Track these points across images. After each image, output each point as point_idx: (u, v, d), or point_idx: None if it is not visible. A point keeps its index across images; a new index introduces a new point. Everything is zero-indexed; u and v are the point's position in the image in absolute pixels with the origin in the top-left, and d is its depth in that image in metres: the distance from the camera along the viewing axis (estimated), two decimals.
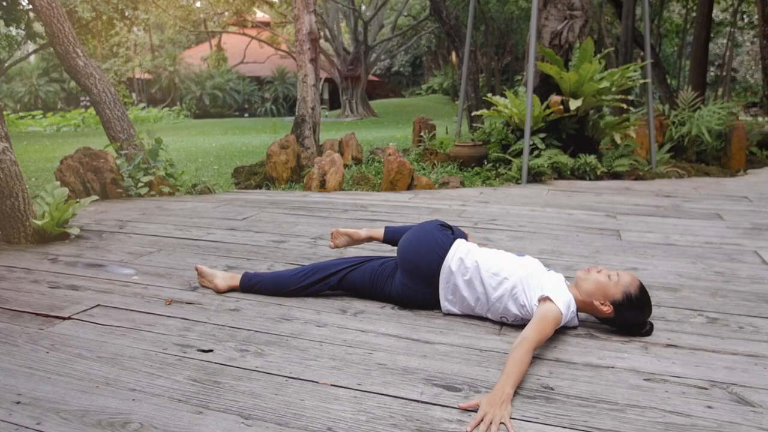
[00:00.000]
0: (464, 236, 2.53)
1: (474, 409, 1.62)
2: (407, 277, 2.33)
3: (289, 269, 2.62)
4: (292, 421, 1.59)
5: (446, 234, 2.38)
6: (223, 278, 2.60)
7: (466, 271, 2.23)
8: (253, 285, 2.55)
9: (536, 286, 2.09)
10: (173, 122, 23.25)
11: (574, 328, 2.21)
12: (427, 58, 35.57)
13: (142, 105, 26.54)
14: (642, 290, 2.11)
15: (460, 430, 1.55)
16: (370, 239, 2.76)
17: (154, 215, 4.42)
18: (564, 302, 2.02)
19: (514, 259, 2.25)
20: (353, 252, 3.28)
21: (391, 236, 2.68)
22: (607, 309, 2.11)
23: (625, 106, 6.66)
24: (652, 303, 2.23)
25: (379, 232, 2.72)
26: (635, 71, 6.60)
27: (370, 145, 9.60)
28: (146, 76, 29.18)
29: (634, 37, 12.02)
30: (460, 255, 2.27)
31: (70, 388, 1.76)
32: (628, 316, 2.12)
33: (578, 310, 2.16)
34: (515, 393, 1.71)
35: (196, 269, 2.68)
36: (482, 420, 1.55)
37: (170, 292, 2.63)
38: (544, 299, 2.02)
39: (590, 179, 6.26)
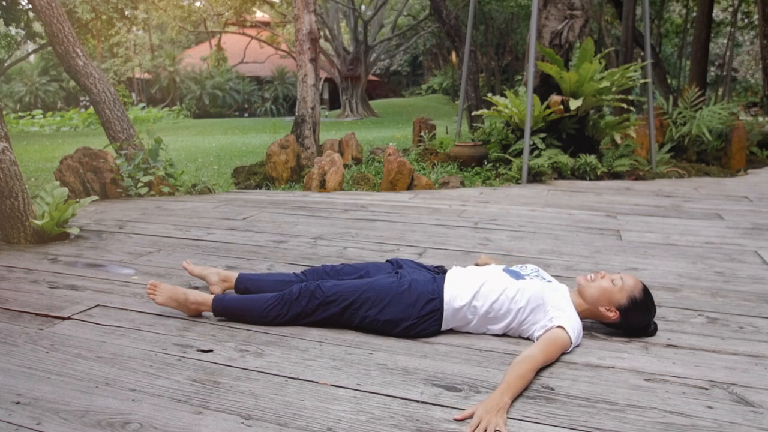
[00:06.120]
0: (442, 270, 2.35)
1: (469, 418, 1.60)
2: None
3: (280, 276, 2.51)
4: (292, 421, 1.58)
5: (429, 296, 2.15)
6: (218, 284, 2.51)
7: (470, 321, 2.14)
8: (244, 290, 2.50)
9: (543, 318, 2.03)
10: (173, 122, 23.25)
11: None
12: (427, 58, 35.57)
13: (141, 105, 26.53)
14: (646, 292, 2.11)
15: (460, 430, 1.55)
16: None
17: (154, 215, 4.41)
18: (575, 330, 1.99)
19: (516, 288, 2.10)
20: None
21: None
22: (613, 315, 2.10)
23: (625, 105, 6.66)
24: None
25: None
26: (635, 71, 6.60)
27: (370, 145, 9.60)
28: (146, 76, 29.18)
29: (634, 37, 12.02)
30: (457, 304, 2.11)
31: (69, 388, 1.76)
32: (635, 319, 2.11)
33: (583, 317, 2.13)
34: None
35: (186, 268, 2.58)
36: (477, 426, 1.54)
37: None
38: (558, 327, 1.97)
39: (590, 179, 6.26)
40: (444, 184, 5.85)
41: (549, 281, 2.17)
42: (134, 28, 21.23)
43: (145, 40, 29.66)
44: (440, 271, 2.35)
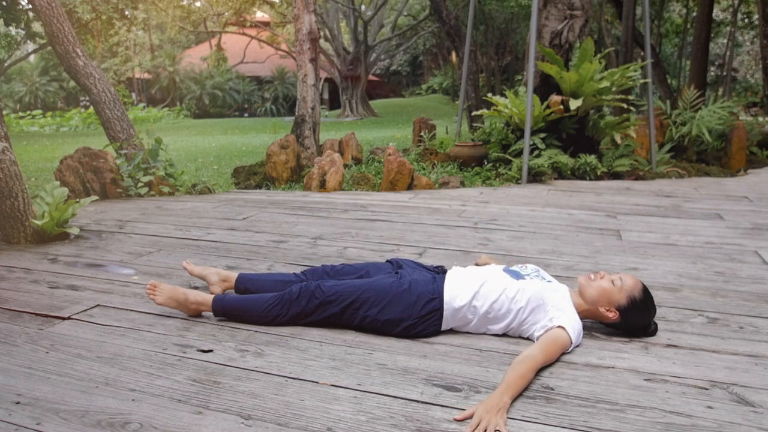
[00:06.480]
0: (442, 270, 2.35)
1: (469, 418, 1.60)
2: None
3: (280, 276, 2.51)
4: (292, 421, 1.58)
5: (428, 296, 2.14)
6: (218, 284, 2.50)
7: (470, 321, 2.14)
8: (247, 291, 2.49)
9: (544, 318, 2.03)
10: (173, 122, 23.26)
11: None
12: (427, 58, 35.56)
13: (141, 105, 26.54)
14: (645, 292, 2.11)
15: (460, 430, 1.55)
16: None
17: (154, 215, 4.41)
18: (575, 330, 1.99)
19: (516, 288, 2.09)
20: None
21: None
22: (612, 315, 2.10)
23: (625, 105, 6.66)
24: None
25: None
26: (635, 71, 6.60)
27: (370, 145, 9.60)
28: (146, 75, 29.18)
29: (634, 37, 12.01)
30: (456, 304, 2.11)
31: (69, 388, 1.76)
32: (635, 319, 2.11)
33: (583, 317, 2.13)
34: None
35: (185, 268, 2.58)
36: (477, 426, 1.54)
37: None
38: (558, 327, 1.97)
39: (590, 179, 6.26)
40: (444, 184, 5.85)
41: (549, 281, 2.17)
42: (134, 28, 21.23)
43: (145, 40, 29.66)
44: (440, 271, 2.35)
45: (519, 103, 6.60)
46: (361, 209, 4.64)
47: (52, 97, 29.26)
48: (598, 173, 6.28)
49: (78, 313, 2.37)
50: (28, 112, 24.56)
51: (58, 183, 3.91)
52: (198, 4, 26.95)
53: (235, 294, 2.47)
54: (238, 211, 4.56)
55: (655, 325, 2.17)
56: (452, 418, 1.60)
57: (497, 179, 6.17)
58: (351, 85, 24.61)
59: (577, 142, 6.61)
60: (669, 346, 2.08)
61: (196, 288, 2.64)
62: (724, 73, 21.72)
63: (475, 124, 9.23)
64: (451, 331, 2.17)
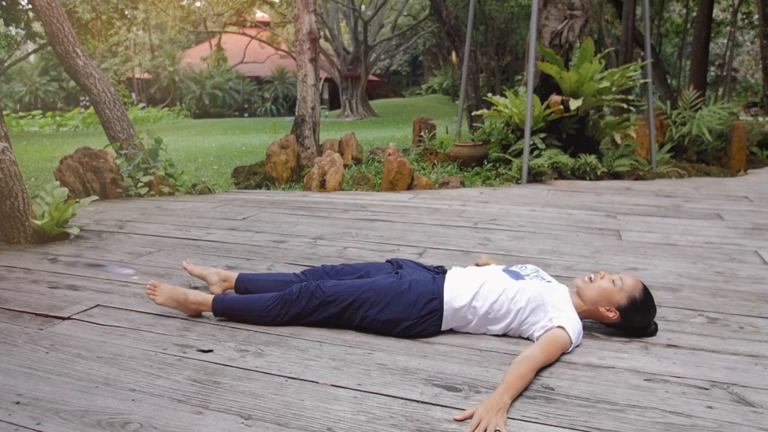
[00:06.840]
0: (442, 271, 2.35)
1: (469, 419, 1.60)
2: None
3: (280, 276, 2.51)
4: (292, 421, 1.58)
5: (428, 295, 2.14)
6: (218, 284, 2.50)
7: (470, 321, 2.13)
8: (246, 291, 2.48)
9: (543, 318, 2.03)
10: (173, 122, 23.26)
11: None
12: (427, 58, 35.56)
13: (141, 105, 26.54)
14: (646, 292, 2.11)
15: (460, 430, 1.55)
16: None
17: (154, 215, 4.41)
18: (575, 330, 1.98)
19: (516, 288, 2.09)
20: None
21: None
22: (613, 315, 2.10)
23: (625, 105, 6.65)
24: None
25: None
26: (635, 71, 6.60)
27: (370, 145, 9.60)
28: (146, 75, 29.19)
29: (634, 37, 12.01)
30: (456, 305, 2.11)
31: (69, 388, 1.76)
32: (635, 319, 2.11)
33: (583, 317, 2.12)
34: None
35: (185, 268, 2.58)
36: (477, 426, 1.54)
37: None
38: (558, 327, 1.97)
39: (590, 179, 6.26)
40: (444, 184, 5.85)
41: (549, 282, 2.17)
42: (134, 28, 21.23)
43: (145, 40, 29.67)
44: (440, 271, 2.35)
45: (519, 103, 6.60)
46: (361, 209, 4.64)
47: (52, 97, 29.27)
48: (598, 173, 6.28)
49: (78, 313, 2.37)
50: (28, 112, 24.56)
51: (58, 183, 3.91)
52: (198, 4, 26.94)
53: (235, 294, 2.48)
54: (238, 211, 4.56)
55: (655, 325, 2.17)
56: (452, 418, 1.60)
57: (497, 179, 6.17)
58: (351, 85, 24.61)
59: (577, 142, 6.61)
60: (669, 346, 2.08)
61: (196, 288, 2.64)
62: (724, 73, 21.72)
63: (475, 124, 9.22)
64: (451, 331, 2.17)
